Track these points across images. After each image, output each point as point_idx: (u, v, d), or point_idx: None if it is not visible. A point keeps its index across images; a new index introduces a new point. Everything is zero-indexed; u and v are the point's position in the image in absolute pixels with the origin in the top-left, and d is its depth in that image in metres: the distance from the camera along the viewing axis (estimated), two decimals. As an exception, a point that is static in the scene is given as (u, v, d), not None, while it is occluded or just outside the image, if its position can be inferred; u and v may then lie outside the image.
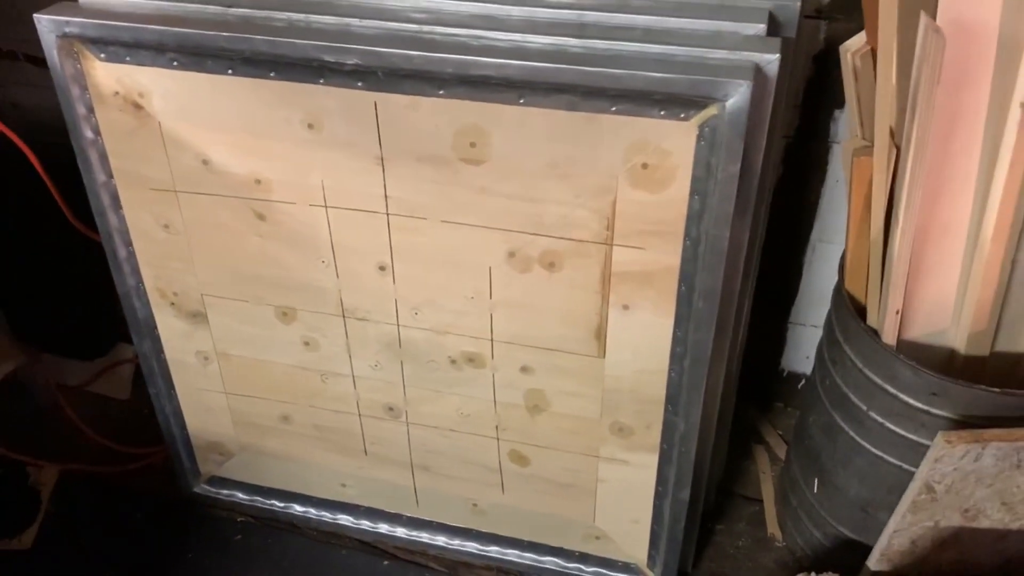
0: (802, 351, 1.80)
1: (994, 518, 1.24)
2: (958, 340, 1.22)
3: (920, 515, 1.22)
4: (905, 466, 1.27)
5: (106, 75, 1.24)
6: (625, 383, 1.33)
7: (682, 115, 1.07)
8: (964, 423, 1.17)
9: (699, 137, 1.08)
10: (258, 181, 1.28)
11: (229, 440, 1.65)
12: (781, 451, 1.82)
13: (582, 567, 1.60)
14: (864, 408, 1.27)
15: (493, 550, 1.63)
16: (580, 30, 1.13)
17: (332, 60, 1.13)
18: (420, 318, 1.36)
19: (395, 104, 1.15)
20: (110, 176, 1.34)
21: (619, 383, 1.33)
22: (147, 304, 1.48)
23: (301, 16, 1.18)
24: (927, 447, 1.22)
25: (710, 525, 1.69)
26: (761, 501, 1.75)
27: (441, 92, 1.13)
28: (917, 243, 1.10)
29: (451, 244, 1.26)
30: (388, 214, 1.26)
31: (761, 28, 1.10)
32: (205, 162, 1.28)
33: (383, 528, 1.67)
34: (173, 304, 1.47)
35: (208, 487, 1.74)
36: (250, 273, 1.39)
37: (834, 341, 1.31)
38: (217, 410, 1.60)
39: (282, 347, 1.47)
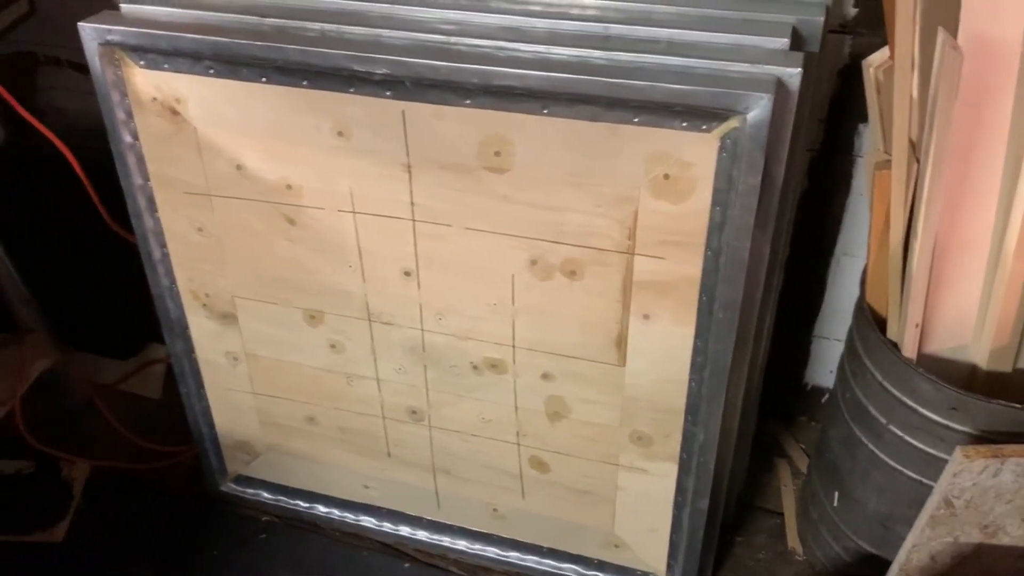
0: (826, 365, 1.79)
1: (1014, 535, 1.23)
2: (979, 355, 1.21)
3: (939, 530, 1.22)
4: (924, 480, 1.27)
5: (145, 81, 1.28)
6: (645, 392, 1.34)
7: (704, 127, 1.09)
8: (984, 438, 1.17)
9: (721, 149, 1.09)
10: (289, 186, 1.31)
11: (256, 440, 1.68)
12: (803, 465, 1.82)
13: (600, 575, 1.61)
14: (884, 421, 1.27)
15: (513, 555, 1.65)
16: (604, 42, 1.15)
17: (362, 70, 1.16)
18: (443, 323, 1.38)
19: (422, 113, 1.18)
20: (147, 179, 1.38)
21: (639, 392, 1.34)
22: (180, 305, 1.52)
23: (333, 27, 1.21)
24: (946, 462, 1.22)
25: (730, 537, 1.69)
26: (782, 514, 1.74)
27: (467, 102, 1.15)
28: (937, 257, 1.10)
29: (474, 251, 1.28)
30: (414, 220, 1.29)
31: (784, 42, 1.11)
32: (238, 167, 1.32)
33: (404, 531, 1.69)
34: (205, 305, 1.50)
35: (234, 486, 1.77)
36: (279, 276, 1.42)
37: (855, 354, 1.31)
38: (245, 410, 1.63)
39: (309, 349, 1.50)
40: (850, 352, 1.34)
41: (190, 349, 1.58)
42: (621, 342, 1.30)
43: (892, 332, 1.22)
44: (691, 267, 1.20)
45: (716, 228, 1.16)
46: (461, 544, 1.67)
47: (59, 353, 1.85)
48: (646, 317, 1.26)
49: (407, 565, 1.68)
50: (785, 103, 1.07)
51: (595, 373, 1.35)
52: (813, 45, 1.16)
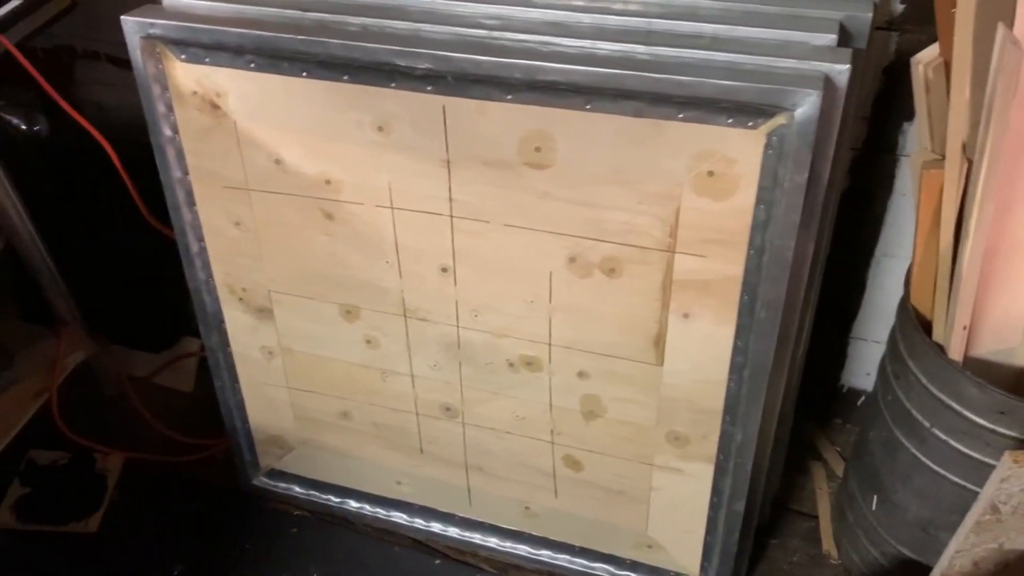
0: (863, 367, 1.77)
1: (1061, 543, 1.21)
2: (1027, 358, 1.19)
3: (984, 536, 1.20)
4: (968, 485, 1.24)
5: (186, 75, 1.28)
6: (682, 392, 1.33)
7: (750, 123, 1.07)
8: (1032, 444, 1.15)
9: (767, 146, 1.08)
10: (328, 182, 1.31)
11: (289, 434, 1.69)
12: (838, 468, 1.80)
13: (632, 575, 1.59)
14: (927, 425, 1.25)
15: (544, 554, 1.64)
16: (648, 37, 1.14)
17: (404, 64, 1.15)
18: (479, 320, 1.37)
19: (463, 108, 1.17)
20: (186, 173, 1.39)
21: (676, 392, 1.33)
22: (216, 299, 1.52)
23: (374, 21, 1.21)
24: (992, 466, 1.19)
25: (764, 540, 1.67)
26: (817, 518, 1.72)
27: (509, 97, 1.14)
28: (987, 259, 1.08)
29: (513, 248, 1.27)
30: (452, 217, 1.28)
31: (832, 39, 1.09)
32: (277, 162, 1.32)
33: (436, 527, 1.69)
34: (241, 299, 1.51)
35: (267, 480, 1.78)
36: (316, 271, 1.42)
37: (898, 356, 1.29)
38: (279, 404, 1.64)
39: (344, 345, 1.50)
40: (892, 354, 1.32)
41: (225, 343, 1.58)
42: (659, 341, 1.29)
43: (938, 334, 1.20)
44: (733, 266, 1.19)
45: (760, 226, 1.14)
46: (492, 541, 1.67)
47: (94, 346, 1.86)
48: (686, 316, 1.25)
49: (438, 562, 1.68)
50: (833, 100, 1.05)
51: (632, 372, 1.34)
52: (860, 42, 1.15)
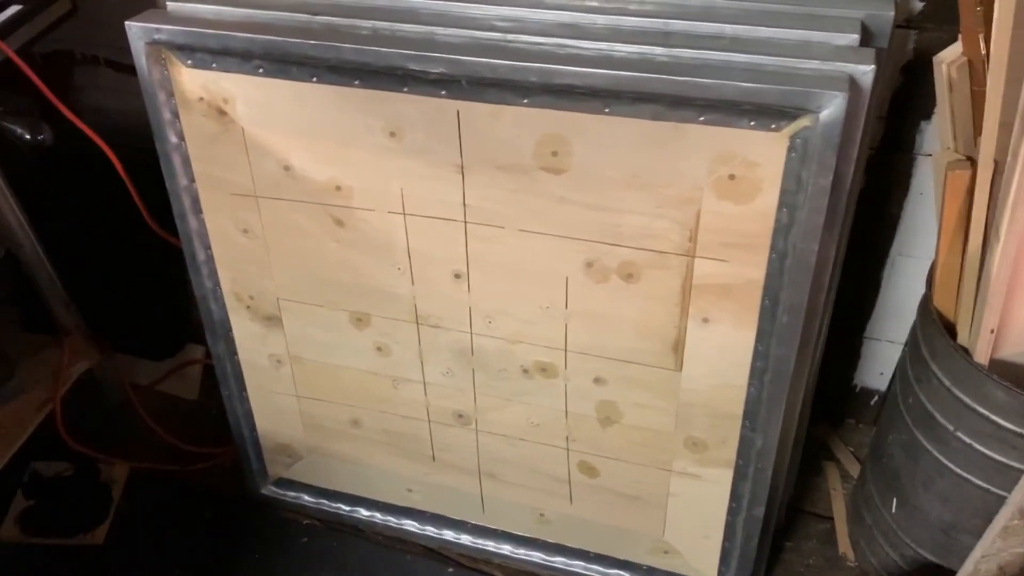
0: (876, 367, 1.75)
1: (1088, 546, 1.19)
2: (1053, 360, 1.18)
3: (1011, 541, 1.18)
4: (993, 489, 1.23)
5: (192, 81, 1.26)
6: (701, 397, 1.31)
7: (773, 126, 1.05)
8: (1059, 447, 1.13)
9: (790, 149, 1.06)
10: (338, 188, 1.29)
11: (298, 443, 1.66)
12: (852, 468, 1.78)
13: (649, 581, 1.58)
14: (951, 428, 1.23)
15: (559, 561, 1.62)
16: (666, 39, 1.12)
17: (417, 68, 1.13)
18: (493, 327, 1.35)
19: (477, 113, 1.15)
20: (192, 180, 1.36)
21: (695, 397, 1.31)
22: (223, 307, 1.50)
23: (385, 24, 1.18)
24: (1017, 469, 1.18)
25: (779, 542, 1.66)
26: (832, 519, 1.71)
27: (525, 101, 1.12)
28: (1014, 261, 1.06)
29: (528, 253, 1.25)
30: (466, 222, 1.26)
31: (854, 38, 1.07)
32: (286, 168, 1.29)
33: (448, 535, 1.67)
34: (249, 307, 1.48)
35: (276, 489, 1.75)
36: (326, 278, 1.40)
37: (919, 358, 1.27)
38: (288, 413, 1.61)
39: (355, 352, 1.47)
40: (914, 356, 1.30)
41: (233, 351, 1.56)
42: (678, 346, 1.27)
43: (962, 337, 1.18)
44: (754, 270, 1.17)
45: (782, 230, 1.12)
46: (505, 548, 1.65)
47: (97, 355, 1.83)
48: (705, 321, 1.23)
49: (451, 570, 1.66)
50: (857, 101, 1.03)
51: (650, 378, 1.32)
52: (882, 41, 1.13)
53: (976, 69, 1.10)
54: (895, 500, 1.42)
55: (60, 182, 1.84)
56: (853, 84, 1.02)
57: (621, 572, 1.59)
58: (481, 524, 1.65)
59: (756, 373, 1.25)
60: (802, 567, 1.64)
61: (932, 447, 1.28)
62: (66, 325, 1.77)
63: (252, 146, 1.29)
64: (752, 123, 1.06)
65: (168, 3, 1.27)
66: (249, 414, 1.64)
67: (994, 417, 1.16)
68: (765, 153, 1.07)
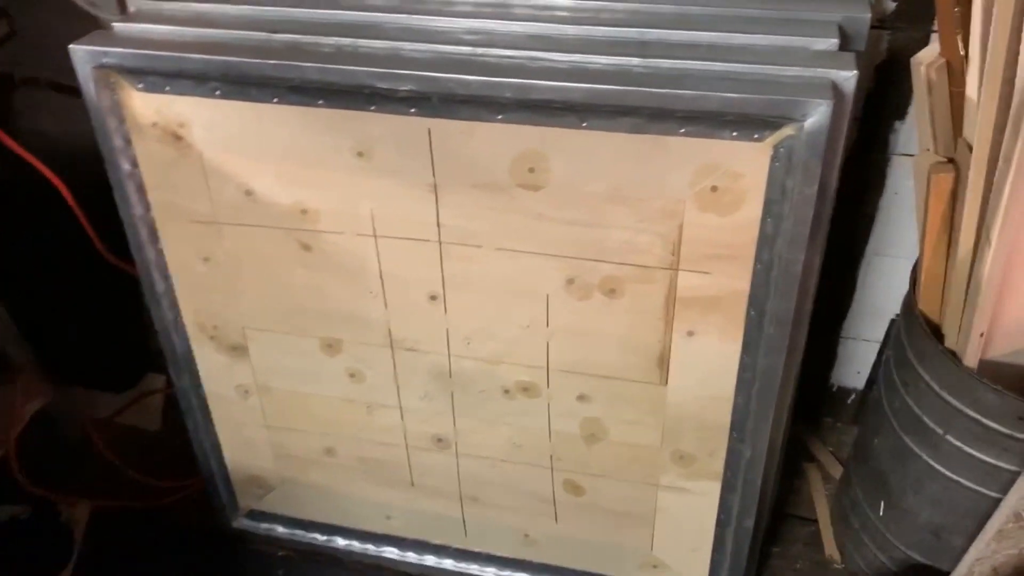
0: (853, 366, 1.75)
1: (1079, 543, 1.19)
2: (1038, 359, 1.17)
3: (1005, 543, 1.18)
4: (984, 491, 1.22)
5: (144, 105, 1.19)
6: (688, 410, 1.28)
7: (755, 136, 1.02)
8: (1050, 447, 1.12)
9: (773, 158, 1.03)
10: (304, 211, 1.23)
11: (269, 473, 1.60)
12: (833, 468, 1.77)
13: (638, 596, 1.55)
14: (940, 432, 1.22)
15: (545, 581, 1.59)
16: (642, 48, 1.08)
17: (385, 87, 1.08)
18: (472, 348, 1.31)
19: (450, 130, 1.10)
20: (148, 209, 1.29)
21: (682, 410, 1.28)
22: (186, 338, 1.43)
23: (349, 41, 1.13)
24: (1009, 471, 1.18)
25: (766, 548, 1.64)
26: (815, 521, 1.70)
27: (499, 117, 1.08)
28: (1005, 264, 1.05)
29: (506, 272, 1.21)
30: (440, 242, 1.21)
31: (833, 43, 1.05)
32: (248, 193, 1.24)
33: (430, 560, 1.62)
34: (213, 338, 1.42)
35: (247, 521, 1.69)
36: (294, 305, 1.34)
37: (906, 362, 1.26)
38: (257, 444, 1.55)
39: (326, 379, 1.42)
40: (899, 360, 1.29)
41: (197, 384, 1.49)
42: (663, 361, 1.24)
43: (950, 341, 1.17)
44: (739, 281, 1.14)
45: (767, 240, 1.10)
46: (490, 571, 1.61)
47: (52, 391, 1.74)
48: (690, 334, 1.20)
49: (434, 595, 1.62)
50: (841, 108, 1.01)
51: (635, 393, 1.29)
52: (860, 44, 1.10)
53: (955, 70, 1.08)
54: (883, 503, 1.41)
55: (4, 211, 1.75)
56: (836, 90, 1.00)
57: (609, 589, 1.56)
58: (464, 548, 1.60)
59: (743, 384, 1.23)
60: (791, 572, 1.63)
61: (921, 451, 1.27)
62: (18, 362, 1.68)
63: (211, 171, 1.23)
64: (734, 133, 1.03)
65: (114, 24, 1.20)
66: (217, 447, 1.58)
67: (985, 420, 1.15)
68: (748, 163, 1.05)
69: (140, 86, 1.18)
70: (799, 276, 1.11)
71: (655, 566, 1.50)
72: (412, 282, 1.27)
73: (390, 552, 1.64)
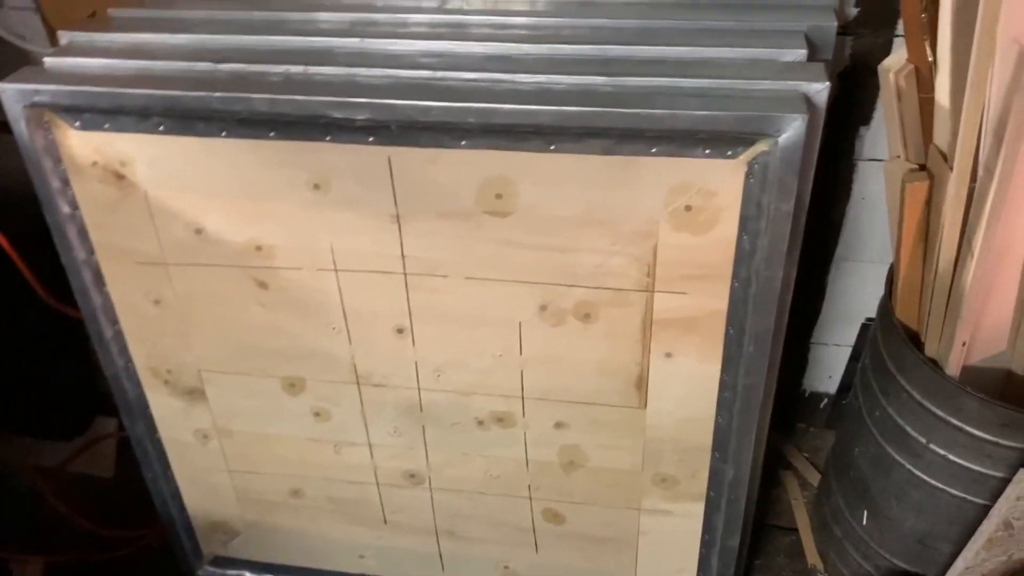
0: (824, 371, 1.74)
1: (1066, 546, 1.18)
2: (1017, 362, 1.16)
3: (994, 551, 1.16)
4: (969, 497, 1.21)
5: (82, 144, 1.12)
6: (668, 432, 1.25)
7: (729, 153, 0.99)
8: (1034, 453, 1.11)
9: (748, 175, 1.00)
10: (259, 248, 1.17)
11: (234, 519, 1.53)
12: (810, 475, 1.76)
13: (623, 621, 1.51)
14: (923, 441, 1.21)
15: (527, 611, 1.54)
16: (606, 66, 1.05)
17: (340, 116, 1.03)
18: (443, 380, 1.26)
19: (412, 158, 1.06)
20: (91, 252, 1.22)
21: (661, 433, 1.25)
22: (138, 384, 1.35)
23: (299, 68, 1.08)
24: (994, 478, 1.16)
25: (748, 562, 1.62)
26: (796, 530, 1.68)
27: (463, 143, 1.03)
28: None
29: (476, 301, 1.17)
30: (406, 274, 1.16)
31: (802, 53, 1.03)
32: (198, 231, 1.17)
33: (407, 597, 1.57)
34: (167, 382, 1.35)
35: (213, 568, 1.61)
36: (252, 345, 1.28)
37: (885, 372, 1.24)
38: (220, 489, 1.48)
39: (290, 419, 1.35)
40: (878, 369, 1.27)
41: (153, 430, 1.41)
42: (641, 383, 1.21)
43: (931, 350, 1.16)
44: (716, 300, 1.11)
45: (744, 258, 1.07)
46: (470, 604, 1.56)
47: (-4, 443, 1.65)
48: (668, 355, 1.17)
49: (413, 633, 1.56)
50: (815, 121, 0.98)
51: (613, 418, 1.25)
52: (827, 52, 1.09)
53: (923, 76, 1.07)
54: (866, 512, 1.39)
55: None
56: (810, 103, 0.97)
57: (594, 615, 1.52)
58: (442, 582, 1.55)
59: (724, 404, 1.20)
60: (775, 584, 1.61)
61: (904, 460, 1.26)
62: (-44, 416, 1.59)
63: (157, 210, 1.16)
64: (707, 151, 1.00)
65: (45, 59, 1.13)
66: (177, 494, 1.50)
67: (969, 428, 1.14)
68: (722, 181, 1.02)
69: (77, 124, 1.11)
70: (778, 292, 1.08)
71: (640, 590, 1.47)
72: (377, 316, 1.21)
73: (365, 591, 1.58)
